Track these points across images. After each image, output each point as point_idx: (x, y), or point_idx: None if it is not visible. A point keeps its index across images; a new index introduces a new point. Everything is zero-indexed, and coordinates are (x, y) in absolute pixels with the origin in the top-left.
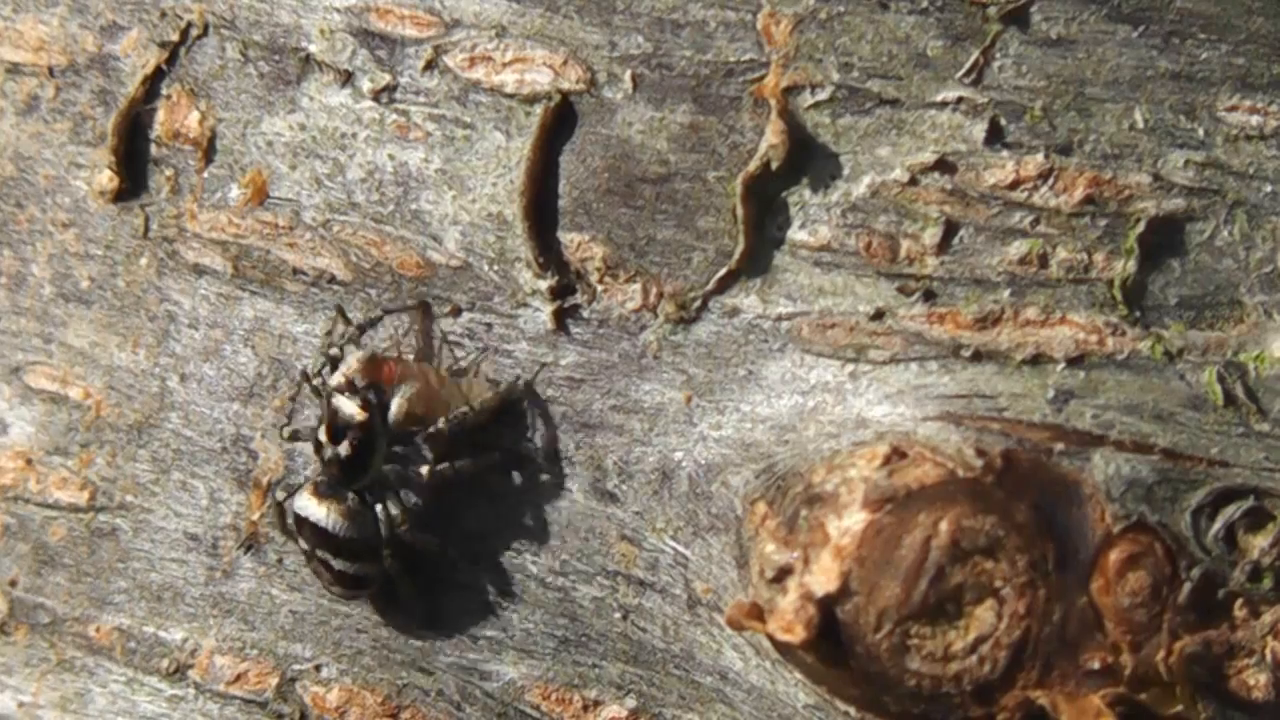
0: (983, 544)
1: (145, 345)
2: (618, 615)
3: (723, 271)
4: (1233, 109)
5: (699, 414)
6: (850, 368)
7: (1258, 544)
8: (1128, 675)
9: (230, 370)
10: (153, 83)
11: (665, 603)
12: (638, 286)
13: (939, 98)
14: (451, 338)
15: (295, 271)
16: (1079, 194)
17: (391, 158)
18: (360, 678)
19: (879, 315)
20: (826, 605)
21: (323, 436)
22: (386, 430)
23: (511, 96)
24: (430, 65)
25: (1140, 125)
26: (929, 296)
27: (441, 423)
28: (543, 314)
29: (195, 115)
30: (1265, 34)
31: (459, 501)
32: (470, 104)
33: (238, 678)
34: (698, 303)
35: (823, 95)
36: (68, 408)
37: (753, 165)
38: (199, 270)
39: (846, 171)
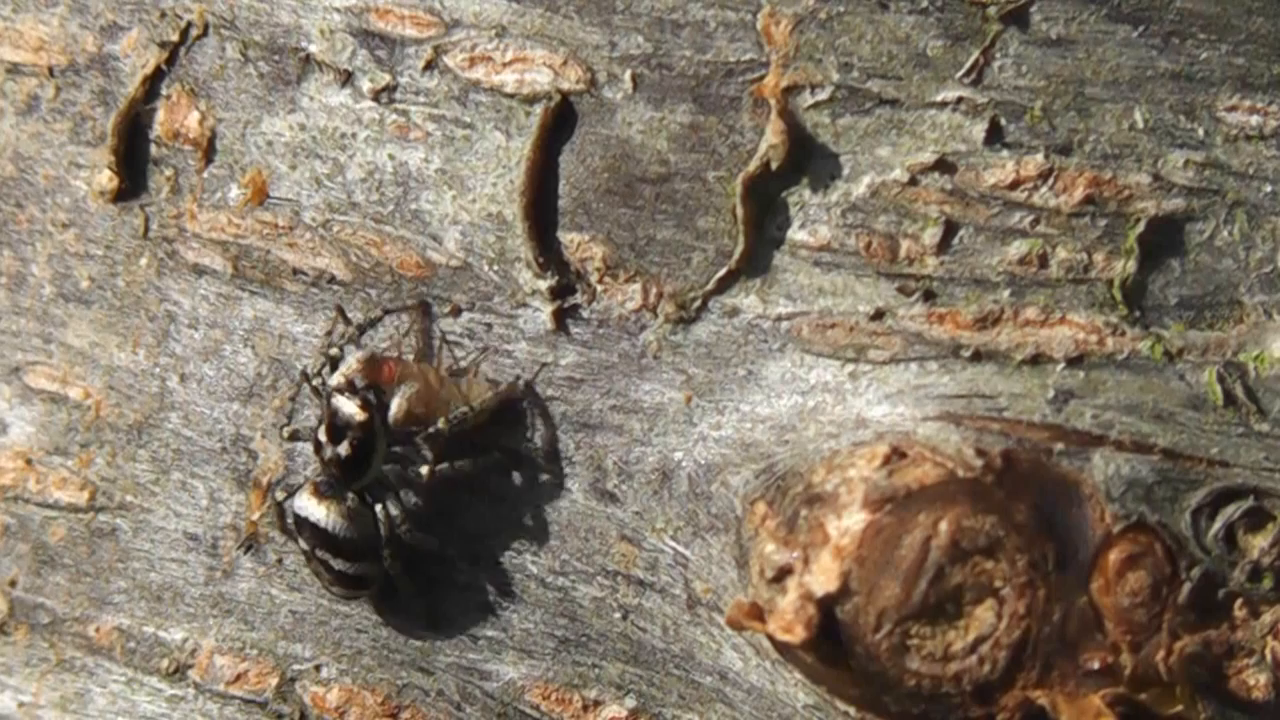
0: (983, 544)
1: (145, 345)
2: (618, 615)
3: (722, 271)
4: (1233, 109)
5: (699, 414)
6: (850, 368)
7: (1258, 544)
8: (1128, 675)
9: (230, 370)
10: (153, 83)
11: (665, 603)
12: (638, 286)
13: (939, 98)
14: (451, 338)
15: (295, 271)
16: (1079, 194)
17: (391, 158)
18: (360, 678)
19: (879, 315)
20: (826, 605)
21: (323, 436)
22: (386, 430)
23: (511, 96)
24: (430, 65)
25: (1140, 125)
26: (929, 296)
27: (441, 423)
28: (542, 314)
29: (195, 115)
30: (1265, 34)
31: (459, 501)
32: (470, 104)
33: (238, 678)
34: (698, 303)
35: (823, 95)
36: (68, 408)
37: (753, 165)
38: (199, 270)
39: (846, 171)
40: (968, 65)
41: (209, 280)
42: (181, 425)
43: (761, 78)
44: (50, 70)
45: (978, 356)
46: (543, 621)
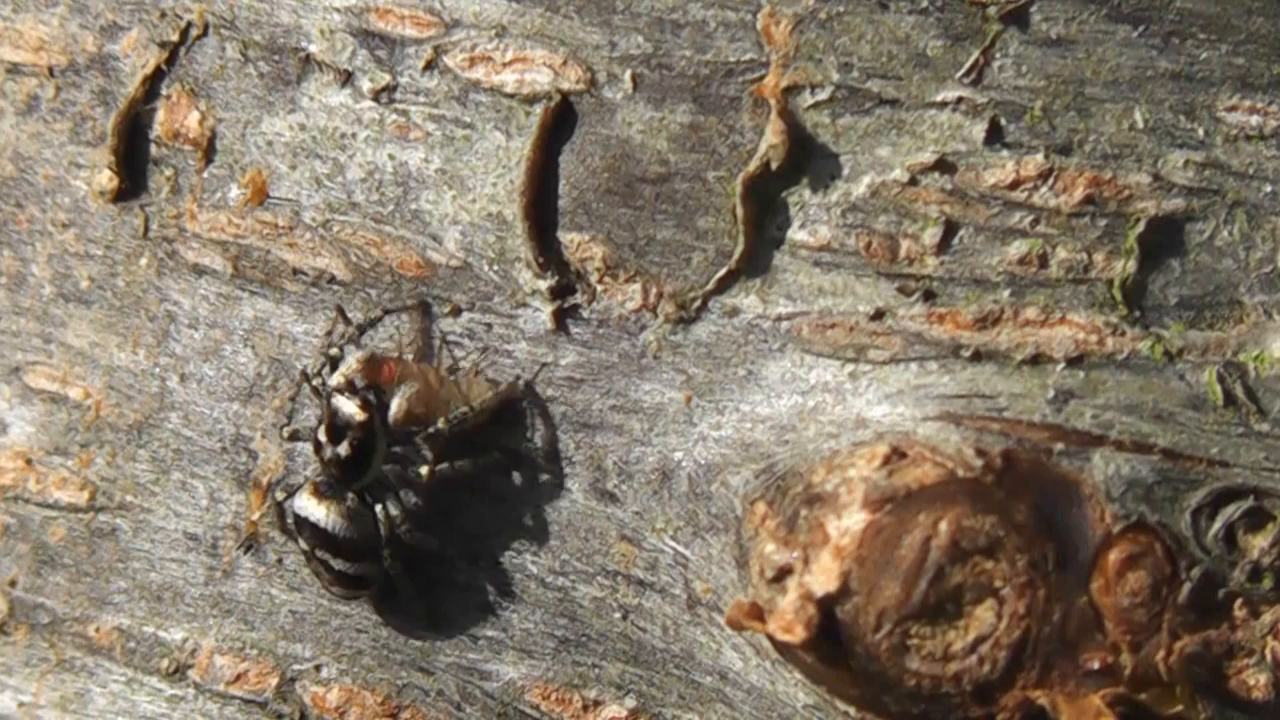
0: (983, 544)
1: (145, 345)
2: (618, 615)
3: (722, 271)
4: (1233, 109)
5: (699, 414)
6: (850, 368)
7: (1258, 544)
8: (1128, 675)
9: (230, 370)
10: (153, 83)
11: (665, 603)
12: (638, 286)
13: (939, 98)
14: (451, 338)
15: (295, 271)
16: (1079, 194)
17: (391, 158)
18: (360, 678)
19: (879, 315)
20: (826, 605)
21: (323, 436)
22: (386, 430)
23: (511, 96)
24: (430, 65)
25: (1140, 125)
26: (929, 296)
27: (441, 423)
28: (542, 314)
29: (195, 115)
30: (1265, 34)
31: (459, 501)
32: (470, 104)
33: (238, 678)
34: (697, 303)
35: (823, 95)
36: (68, 408)
37: (753, 165)
38: (199, 270)
39: (846, 171)
40: (968, 65)
41: (209, 280)
42: (181, 425)
43: (761, 78)
44: (50, 70)
45: (978, 356)
46: (543, 621)
